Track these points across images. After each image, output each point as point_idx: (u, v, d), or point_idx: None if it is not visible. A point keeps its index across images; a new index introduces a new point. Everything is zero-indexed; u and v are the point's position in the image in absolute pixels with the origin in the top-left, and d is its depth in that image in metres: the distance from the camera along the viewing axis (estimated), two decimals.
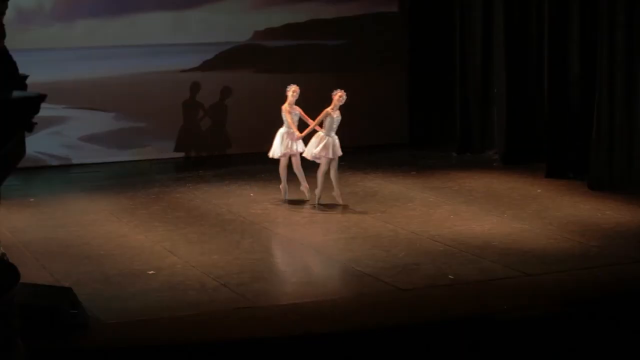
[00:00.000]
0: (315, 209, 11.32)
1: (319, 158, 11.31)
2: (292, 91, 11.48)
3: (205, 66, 15.29)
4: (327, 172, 11.31)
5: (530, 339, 7.55)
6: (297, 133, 11.43)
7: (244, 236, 10.22)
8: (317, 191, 11.40)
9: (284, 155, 11.53)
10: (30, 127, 5.22)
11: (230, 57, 15.41)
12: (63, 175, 13.96)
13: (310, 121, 11.41)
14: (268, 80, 15.52)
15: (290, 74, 15.57)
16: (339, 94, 11.33)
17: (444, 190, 12.16)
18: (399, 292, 8.35)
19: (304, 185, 11.62)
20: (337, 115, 11.28)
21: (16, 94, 5.10)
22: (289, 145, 11.46)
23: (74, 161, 14.55)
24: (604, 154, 12.35)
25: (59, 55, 14.39)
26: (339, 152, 11.34)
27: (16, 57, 5.62)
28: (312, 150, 11.31)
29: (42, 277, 8.55)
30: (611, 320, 7.86)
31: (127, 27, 14.69)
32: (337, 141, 11.31)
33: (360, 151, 15.05)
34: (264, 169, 13.30)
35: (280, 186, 11.77)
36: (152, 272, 8.91)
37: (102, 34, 14.53)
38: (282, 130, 11.53)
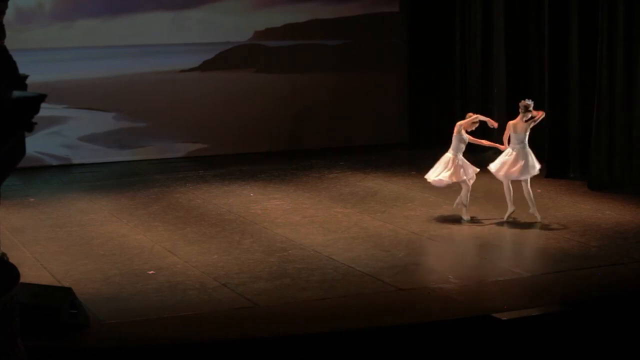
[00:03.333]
0: (537, 226, 10.54)
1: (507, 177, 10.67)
2: (473, 121, 10.79)
3: (205, 66, 15.29)
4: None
5: (530, 339, 7.55)
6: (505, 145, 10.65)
7: (244, 236, 10.22)
8: (533, 209, 10.66)
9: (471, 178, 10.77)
10: (30, 127, 5.21)
11: (230, 57, 15.42)
12: (63, 175, 13.95)
13: (497, 144, 10.79)
14: (268, 80, 15.53)
15: (290, 74, 15.61)
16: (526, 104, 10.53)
17: (444, 190, 12.12)
18: (399, 292, 8.35)
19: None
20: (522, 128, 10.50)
21: (16, 94, 5.10)
22: (463, 170, 10.71)
23: (74, 161, 14.55)
24: (604, 154, 12.36)
25: (59, 55, 14.40)
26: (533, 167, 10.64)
27: (16, 57, 5.61)
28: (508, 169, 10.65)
29: (42, 277, 8.55)
30: (611, 320, 7.86)
31: (127, 27, 14.70)
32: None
33: (360, 151, 15.07)
34: (264, 168, 13.29)
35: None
36: (152, 272, 8.90)
37: (102, 34, 14.54)
38: (449, 156, 10.75)
